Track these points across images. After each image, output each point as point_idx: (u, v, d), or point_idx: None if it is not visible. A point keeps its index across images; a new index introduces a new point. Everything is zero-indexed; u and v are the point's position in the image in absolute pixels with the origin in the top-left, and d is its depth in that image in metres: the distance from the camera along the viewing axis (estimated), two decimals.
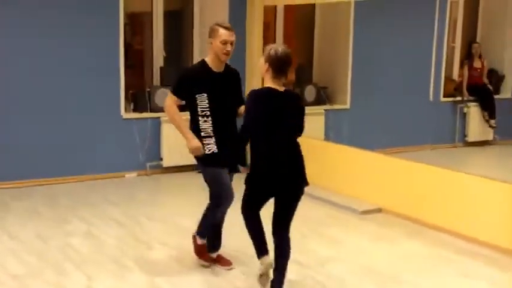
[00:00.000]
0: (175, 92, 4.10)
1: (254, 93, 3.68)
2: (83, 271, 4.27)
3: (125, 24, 7.04)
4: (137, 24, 7.92)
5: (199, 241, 4.31)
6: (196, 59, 7.69)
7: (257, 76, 7.13)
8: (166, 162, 7.14)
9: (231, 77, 4.17)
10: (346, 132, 7.49)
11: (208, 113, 4.03)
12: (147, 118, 7.08)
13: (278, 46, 3.66)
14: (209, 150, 4.04)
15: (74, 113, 6.72)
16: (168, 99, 4.13)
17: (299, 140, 3.86)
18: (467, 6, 8.85)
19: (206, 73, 4.06)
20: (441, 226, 5.24)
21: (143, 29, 7.85)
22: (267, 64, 3.62)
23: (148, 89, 7.26)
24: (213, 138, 4.04)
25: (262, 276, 3.77)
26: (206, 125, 4.03)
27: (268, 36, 7.88)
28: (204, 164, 4.10)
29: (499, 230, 4.81)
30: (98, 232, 5.13)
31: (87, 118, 6.78)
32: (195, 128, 4.06)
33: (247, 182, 3.73)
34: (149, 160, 7.10)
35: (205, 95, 4.01)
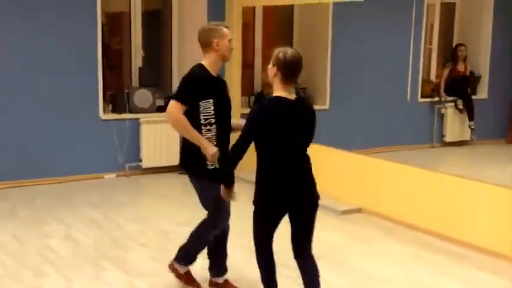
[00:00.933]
0: (182, 99, 3.63)
1: (262, 102, 3.41)
2: (62, 273, 4.23)
3: (103, 25, 6.99)
4: (115, 24, 7.87)
5: (182, 269, 3.93)
6: (175, 59, 7.67)
7: (235, 81, 7.14)
8: (145, 163, 7.10)
9: (223, 83, 3.92)
10: (325, 132, 7.51)
11: (213, 120, 3.68)
12: (125, 119, 7.04)
13: (288, 49, 3.39)
14: (211, 165, 3.68)
15: (52, 113, 6.65)
16: (175, 109, 3.61)
17: None
18: (443, 9, 8.97)
19: (209, 78, 3.73)
20: (419, 225, 5.29)
21: (121, 29, 7.81)
22: (275, 68, 3.32)
23: (127, 90, 7.22)
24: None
25: None
26: (210, 134, 3.68)
27: (248, 37, 7.90)
28: (209, 179, 3.69)
29: (475, 229, 4.87)
30: (77, 234, 5.09)
31: (65, 119, 6.72)
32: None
33: (258, 201, 3.41)
34: (128, 161, 7.06)
35: (211, 101, 3.66)
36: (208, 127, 3.68)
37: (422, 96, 8.65)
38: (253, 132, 3.34)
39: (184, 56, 7.43)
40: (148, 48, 7.58)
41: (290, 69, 3.35)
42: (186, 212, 5.10)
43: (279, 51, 3.36)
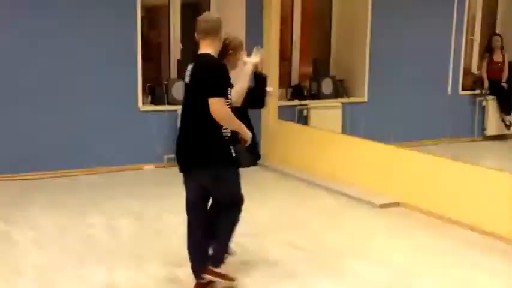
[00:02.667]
0: (222, 94, 3.61)
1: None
2: (104, 263, 4.31)
3: (143, 18, 7.07)
4: (154, 17, 7.94)
5: (221, 269, 3.86)
6: None
7: (273, 69, 7.14)
8: None
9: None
10: (363, 125, 7.48)
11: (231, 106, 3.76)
12: (164, 111, 7.12)
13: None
14: (235, 152, 3.75)
15: (92, 105, 6.77)
16: (222, 107, 3.59)
17: None
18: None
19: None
20: (459, 220, 5.21)
21: (160, 22, 7.87)
22: None
23: (166, 82, 7.29)
24: (230, 138, 3.75)
25: None
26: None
27: (285, 29, 7.87)
28: (234, 166, 3.80)
29: None
30: (117, 224, 5.18)
31: (105, 110, 6.84)
32: (217, 129, 3.66)
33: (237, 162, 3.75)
34: (167, 152, 7.14)
35: (230, 89, 3.73)
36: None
37: (463, 89, 8.51)
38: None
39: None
40: (186, 41, 7.63)
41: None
42: None
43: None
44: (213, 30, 3.74)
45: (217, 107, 3.57)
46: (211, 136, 3.67)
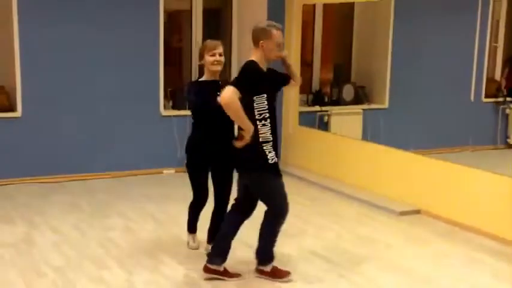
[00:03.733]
0: (239, 86, 3.74)
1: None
2: (123, 265, 4.33)
3: (165, 23, 7.11)
4: (176, 22, 7.99)
5: (271, 267, 4.10)
6: (234, 57, 7.73)
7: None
8: None
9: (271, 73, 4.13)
10: (384, 132, 7.42)
11: (267, 115, 3.84)
12: (185, 115, 7.13)
13: None
14: (272, 159, 3.84)
15: (114, 109, 6.83)
16: (231, 92, 3.69)
17: None
18: (510, 5, 8.68)
19: (264, 73, 3.92)
20: (480, 228, 5.15)
21: (182, 27, 7.92)
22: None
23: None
24: (271, 143, 3.86)
25: None
26: (265, 129, 3.84)
27: (307, 35, 7.86)
28: (269, 172, 3.88)
29: None
30: (136, 227, 5.21)
31: (127, 114, 6.89)
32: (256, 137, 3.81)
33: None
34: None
35: (265, 96, 3.84)
36: (264, 122, 3.82)
37: (486, 96, 8.40)
38: None
39: (244, 53, 7.46)
40: None
41: None
42: None
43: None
44: (254, 40, 3.92)
45: (224, 92, 3.71)
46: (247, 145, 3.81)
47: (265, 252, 4.08)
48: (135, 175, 6.91)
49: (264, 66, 3.93)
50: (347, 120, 7.59)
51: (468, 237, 5.13)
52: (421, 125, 7.76)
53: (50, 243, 4.75)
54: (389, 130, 7.50)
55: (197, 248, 4.62)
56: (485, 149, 8.07)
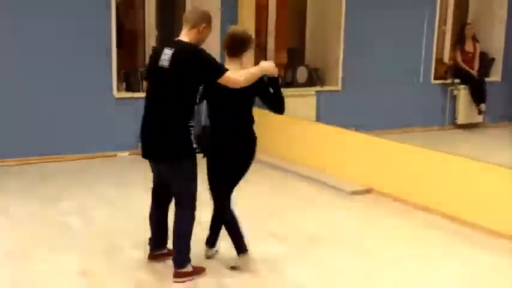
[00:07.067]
0: (224, 68, 3.69)
1: None
2: (77, 249, 4.32)
3: (118, 4, 7.02)
4: (129, 4, 7.89)
5: (189, 267, 3.86)
6: None
7: (248, 58, 7.15)
8: None
9: None
10: (337, 113, 7.56)
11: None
12: (139, 98, 7.09)
13: (233, 26, 3.91)
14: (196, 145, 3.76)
15: (67, 92, 6.73)
16: (235, 77, 3.64)
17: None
18: None
19: None
20: (429, 207, 5.33)
21: (135, 9, 7.83)
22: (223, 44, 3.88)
23: (141, 69, 7.27)
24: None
25: None
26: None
27: (260, 19, 7.89)
28: (191, 154, 3.74)
29: (483, 210, 4.90)
30: (91, 210, 5.19)
31: (80, 97, 6.80)
32: (185, 125, 3.69)
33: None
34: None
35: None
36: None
37: (435, 78, 8.62)
38: None
39: None
40: (162, 28, 7.61)
41: (227, 44, 3.85)
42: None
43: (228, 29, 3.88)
44: (192, 22, 3.76)
45: (233, 80, 3.63)
46: (183, 121, 3.67)
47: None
48: (90, 158, 6.85)
49: None
50: (301, 102, 7.68)
51: (418, 215, 5.29)
52: (373, 106, 7.94)
53: (2, 229, 4.70)
54: (343, 111, 7.64)
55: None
56: (434, 130, 8.33)
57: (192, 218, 3.84)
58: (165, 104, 3.69)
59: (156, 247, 4.11)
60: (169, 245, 4.03)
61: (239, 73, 3.68)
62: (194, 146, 3.73)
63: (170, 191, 3.89)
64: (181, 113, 3.68)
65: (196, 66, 3.63)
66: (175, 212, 3.84)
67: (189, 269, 3.85)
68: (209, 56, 3.68)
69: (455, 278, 4.07)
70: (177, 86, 3.65)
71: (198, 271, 3.91)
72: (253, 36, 3.90)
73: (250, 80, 3.69)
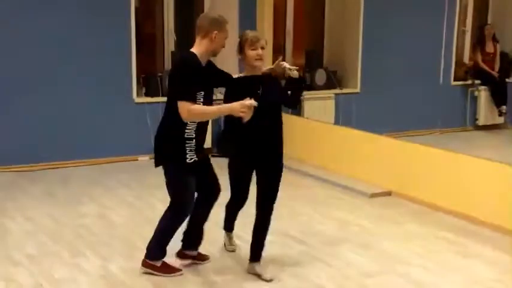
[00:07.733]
0: (188, 96, 3.59)
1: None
2: (97, 252, 4.36)
3: (136, 9, 7.08)
4: (148, 8, 7.94)
5: (159, 263, 3.97)
6: None
7: (266, 60, 7.16)
8: None
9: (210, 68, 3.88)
10: (356, 116, 7.53)
11: None
12: (158, 102, 7.13)
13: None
14: (190, 158, 3.74)
15: (87, 96, 6.79)
16: (185, 111, 3.58)
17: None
18: None
19: (200, 68, 3.70)
20: (451, 209, 5.28)
21: (154, 13, 7.88)
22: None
23: (160, 74, 7.31)
24: (194, 142, 3.75)
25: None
26: (192, 126, 3.71)
27: (278, 21, 7.89)
28: (182, 169, 3.80)
29: (507, 213, 4.83)
30: (111, 214, 5.23)
31: (100, 102, 6.86)
32: (177, 131, 3.70)
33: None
34: None
35: (202, 93, 3.68)
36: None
37: (455, 79, 8.55)
38: None
39: None
40: (180, 32, 7.64)
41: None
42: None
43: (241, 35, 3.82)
44: (202, 29, 3.70)
45: (182, 112, 3.59)
46: (169, 133, 3.75)
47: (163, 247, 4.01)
48: (110, 162, 6.90)
49: (206, 58, 3.75)
50: (319, 104, 7.67)
51: (439, 218, 5.25)
52: (392, 109, 7.89)
53: (24, 232, 4.75)
54: (361, 114, 7.61)
55: (234, 251, 4.41)
56: (455, 131, 8.25)
57: (173, 222, 3.94)
58: (165, 112, 3.83)
59: (188, 247, 4.14)
60: (200, 249, 4.15)
61: (194, 108, 3.59)
62: (189, 152, 3.73)
63: (207, 192, 4.02)
64: (171, 123, 3.73)
65: (171, 80, 3.77)
66: (165, 210, 3.98)
67: (156, 264, 3.96)
68: (185, 76, 3.61)
69: (477, 281, 4.02)
70: (168, 96, 3.81)
71: (168, 270, 3.97)
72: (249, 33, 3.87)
73: (200, 118, 3.69)
